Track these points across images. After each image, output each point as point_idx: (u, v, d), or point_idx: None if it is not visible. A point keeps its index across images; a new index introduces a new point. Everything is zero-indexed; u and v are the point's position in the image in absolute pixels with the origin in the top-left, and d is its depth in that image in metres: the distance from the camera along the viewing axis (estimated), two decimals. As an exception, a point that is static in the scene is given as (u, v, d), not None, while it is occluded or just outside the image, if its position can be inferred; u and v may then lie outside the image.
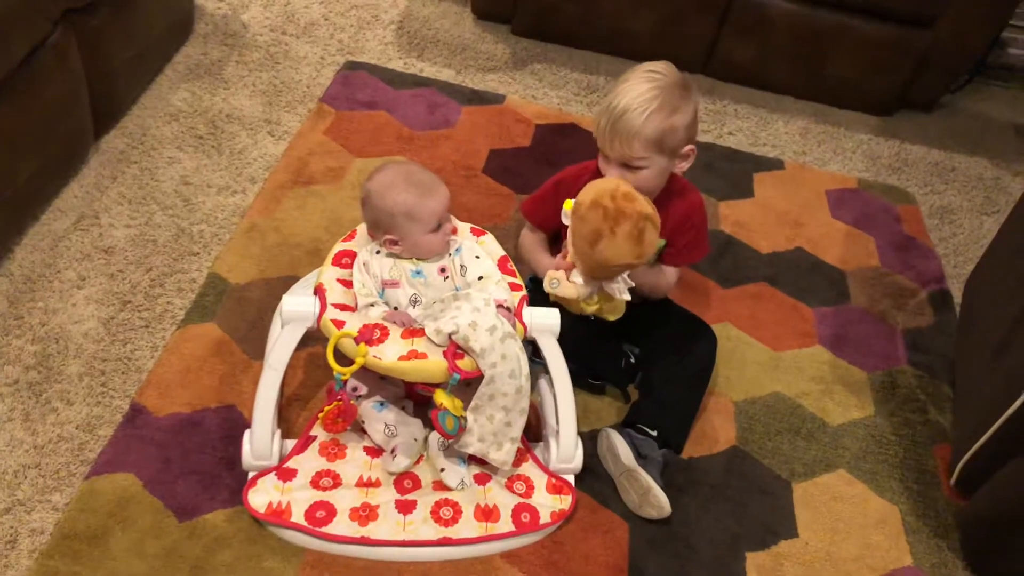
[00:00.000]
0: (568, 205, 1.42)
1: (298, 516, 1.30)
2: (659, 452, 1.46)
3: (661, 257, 1.57)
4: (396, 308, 1.39)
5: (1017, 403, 1.36)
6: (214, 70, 2.18)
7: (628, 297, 1.45)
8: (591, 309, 1.48)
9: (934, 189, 2.34)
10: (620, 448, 1.43)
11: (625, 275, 1.43)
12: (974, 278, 1.83)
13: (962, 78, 2.68)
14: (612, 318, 1.50)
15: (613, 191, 1.37)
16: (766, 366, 1.73)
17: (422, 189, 1.38)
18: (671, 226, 1.53)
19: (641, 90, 1.39)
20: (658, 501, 1.39)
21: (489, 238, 1.53)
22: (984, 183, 2.40)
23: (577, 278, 1.43)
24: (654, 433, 1.47)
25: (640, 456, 1.43)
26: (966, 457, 1.49)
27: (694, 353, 1.58)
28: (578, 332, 1.42)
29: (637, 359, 1.60)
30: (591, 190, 1.39)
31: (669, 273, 1.59)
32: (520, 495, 1.39)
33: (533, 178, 2.02)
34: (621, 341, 1.61)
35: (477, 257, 1.44)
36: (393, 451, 1.38)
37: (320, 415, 1.35)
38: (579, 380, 1.50)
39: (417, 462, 1.40)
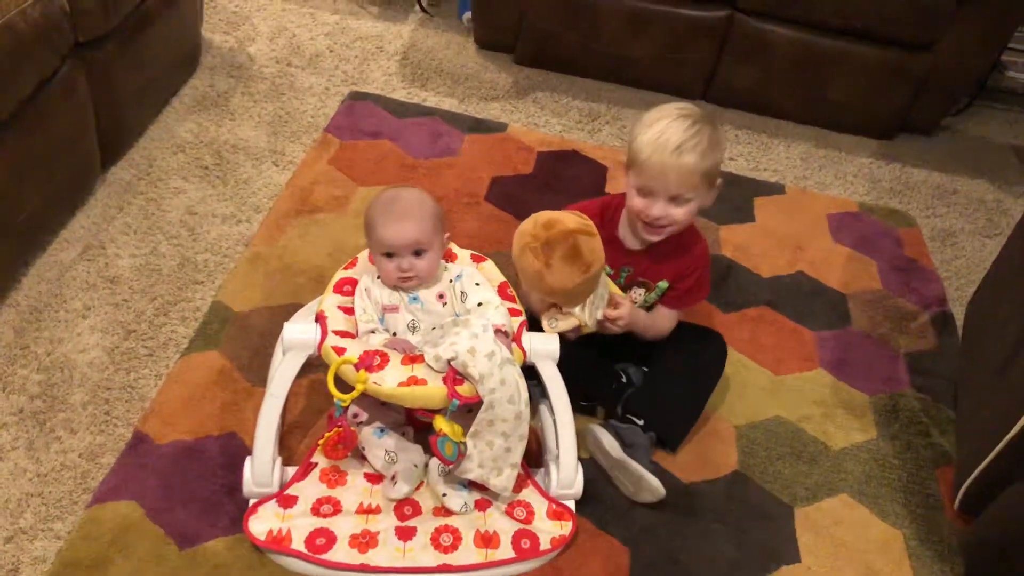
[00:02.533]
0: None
1: (298, 543, 1.30)
2: (645, 437, 1.48)
3: (663, 299, 1.58)
4: (395, 333, 1.41)
5: (1020, 425, 1.36)
6: (220, 102, 2.22)
7: (600, 316, 1.47)
8: (590, 320, 1.49)
9: (935, 212, 2.34)
10: (606, 441, 1.46)
11: (603, 282, 1.46)
12: (976, 300, 1.83)
13: (962, 101, 2.70)
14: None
15: (532, 230, 1.39)
16: (767, 390, 1.73)
17: (388, 214, 1.39)
18: (675, 272, 1.55)
19: (685, 125, 1.41)
20: (651, 486, 1.41)
21: (489, 264, 1.54)
22: (986, 205, 2.40)
23: (568, 309, 1.45)
24: (641, 422, 1.50)
25: (626, 445, 1.46)
26: (969, 480, 1.48)
27: (702, 353, 1.59)
28: (571, 355, 1.42)
29: (629, 379, 1.61)
30: (515, 240, 1.42)
31: (668, 316, 1.59)
32: (520, 521, 1.38)
33: (535, 205, 1.99)
34: (618, 362, 1.61)
35: (477, 284, 1.45)
36: (393, 478, 1.38)
37: (320, 442, 1.36)
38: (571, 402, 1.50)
39: (417, 488, 1.41)
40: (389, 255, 1.39)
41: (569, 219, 1.40)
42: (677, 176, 1.41)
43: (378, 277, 1.44)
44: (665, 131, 1.41)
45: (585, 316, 1.45)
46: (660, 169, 1.41)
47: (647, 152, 1.42)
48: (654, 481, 1.41)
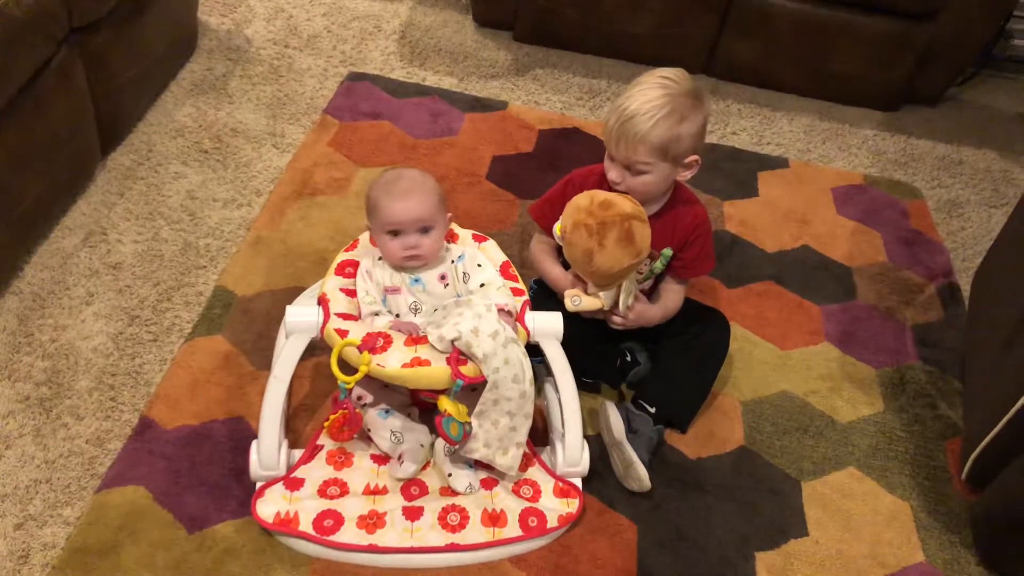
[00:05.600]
0: (559, 229, 1.43)
1: (306, 525, 1.30)
2: (653, 429, 1.48)
3: (670, 269, 1.57)
4: (397, 315, 1.40)
5: (1026, 396, 1.35)
6: (218, 85, 2.20)
7: (630, 303, 1.47)
8: (622, 307, 1.49)
9: (941, 183, 2.32)
10: (613, 421, 1.47)
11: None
12: (982, 271, 1.82)
13: (968, 71, 2.67)
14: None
15: (589, 206, 1.39)
16: (773, 365, 1.73)
17: (393, 192, 1.37)
18: (679, 236, 1.53)
19: (652, 95, 1.39)
20: (638, 475, 1.42)
21: (491, 244, 1.53)
22: (992, 176, 2.38)
23: (594, 290, 1.45)
24: (652, 410, 1.50)
25: (631, 431, 1.46)
26: (977, 451, 1.47)
27: (705, 334, 1.58)
28: (574, 332, 1.42)
29: (634, 358, 1.61)
30: (569, 213, 1.41)
31: (676, 294, 1.58)
32: (527, 499, 1.39)
33: (536, 183, 2.02)
34: (621, 340, 1.60)
35: (479, 265, 1.45)
36: (400, 458, 1.38)
37: (326, 424, 1.36)
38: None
39: (424, 468, 1.41)
40: (395, 233, 1.37)
41: (626, 203, 1.39)
42: (625, 144, 1.40)
43: (380, 259, 1.44)
44: (632, 97, 1.40)
45: (619, 302, 1.46)
46: (612, 134, 1.42)
47: (609, 115, 1.43)
48: (642, 472, 1.41)
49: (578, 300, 1.46)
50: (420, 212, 1.36)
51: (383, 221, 1.37)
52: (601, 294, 1.45)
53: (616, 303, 1.47)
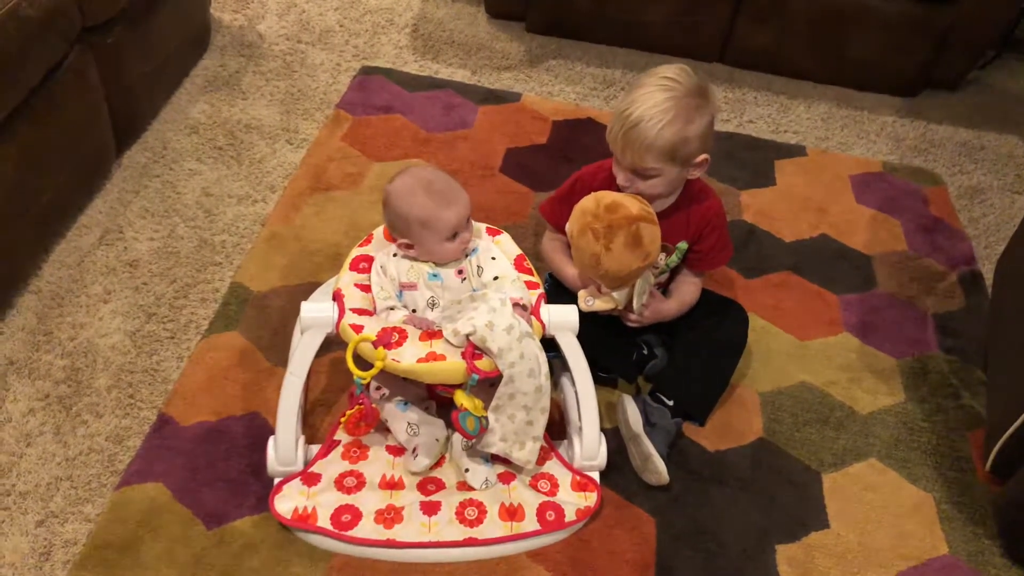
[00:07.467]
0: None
1: (324, 520, 1.31)
2: (671, 422, 1.47)
3: (686, 261, 1.56)
4: (414, 311, 1.40)
5: (1051, 385, 1.33)
6: (232, 81, 2.20)
7: (644, 301, 1.47)
8: (636, 306, 1.48)
9: (962, 169, 2.29)
10: (631, 413, 1.46)
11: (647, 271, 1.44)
12: (1005, 258, 1.79)
13: (989, 54, 2.62)
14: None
15: (595, 209, 1.37)
16: (792, 356, 1.71)
17: (440, 199, 1.38)
18: (693, 229, 1.52)
19: (656, 100, 1.36)
20: (656, 468, 1.40)
21: (505, 237, 1.53)
22: (1015, 160, 2.34)
23: (607, 289, 1.44)
24: (670, 403, 1.49)
25: (649, 423, 1.45)
26: (1001, 441, 1.45)
27: (723, 326, 1.57)
28: (589, 327, 1.41)
29: (651, 351, 1.60)
30: (576, 217, 1.40)
31: (693, 286, 1.57)
32: (545, 493, 1.38)
33: (551, 175, 2.01)
34: (638, 334, 1.59)
35: (493, 258, 1.44)
36: (415, 451, 1.38)
37: (342, 419, 1.36)
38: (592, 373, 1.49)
39: (440, 463, 1.41)
40: (453, 236, 1.39)
41: (633, 204, 1.38)
42: (631, 151, 1.38)
43: (395, 254, 1.43)
44: (635, 102, 1.37)
45: (632, 301, 1.45)
46: (617, 142, 1.40)
47: (612, 121, 1.40)
48: (660, 465, 1.40)
49: (591, 301, 1.45)
50: (469, 206, 1.40)
51: (446, 231, 1.37)
52: (614, 294, 1.44)
53: (630, 302, 1.45)
